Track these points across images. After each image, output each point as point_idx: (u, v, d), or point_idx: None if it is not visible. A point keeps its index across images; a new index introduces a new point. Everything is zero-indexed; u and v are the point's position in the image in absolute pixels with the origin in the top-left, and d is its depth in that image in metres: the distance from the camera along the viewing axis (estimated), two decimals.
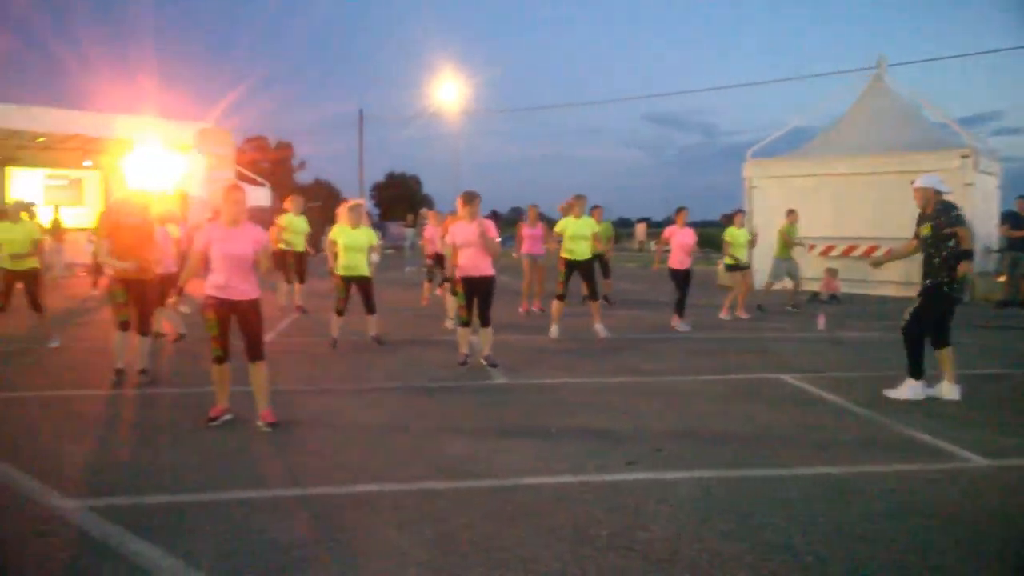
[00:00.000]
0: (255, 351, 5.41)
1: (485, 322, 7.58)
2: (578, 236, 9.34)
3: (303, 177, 70.08)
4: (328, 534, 3.62)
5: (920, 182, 6.46)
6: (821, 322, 10.75)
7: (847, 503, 4.06)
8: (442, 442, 5.11)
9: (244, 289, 5.34)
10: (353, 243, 8.58)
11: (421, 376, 7.30)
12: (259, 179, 29.53)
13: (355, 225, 8.68)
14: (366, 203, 11.38)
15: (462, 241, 7.43)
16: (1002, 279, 14.10)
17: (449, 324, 10.18)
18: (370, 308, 8.84)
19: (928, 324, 6.37)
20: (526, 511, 3.90)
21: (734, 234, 11.71)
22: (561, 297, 9.33)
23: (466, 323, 7.59)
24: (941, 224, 6.23)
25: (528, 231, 12.17)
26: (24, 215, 8.65)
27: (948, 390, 6.35)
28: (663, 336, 9.97)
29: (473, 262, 7.45)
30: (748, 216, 15.93)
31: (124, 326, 6.76)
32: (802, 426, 5.61)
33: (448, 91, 40.05)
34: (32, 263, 8.38)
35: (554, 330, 9.34)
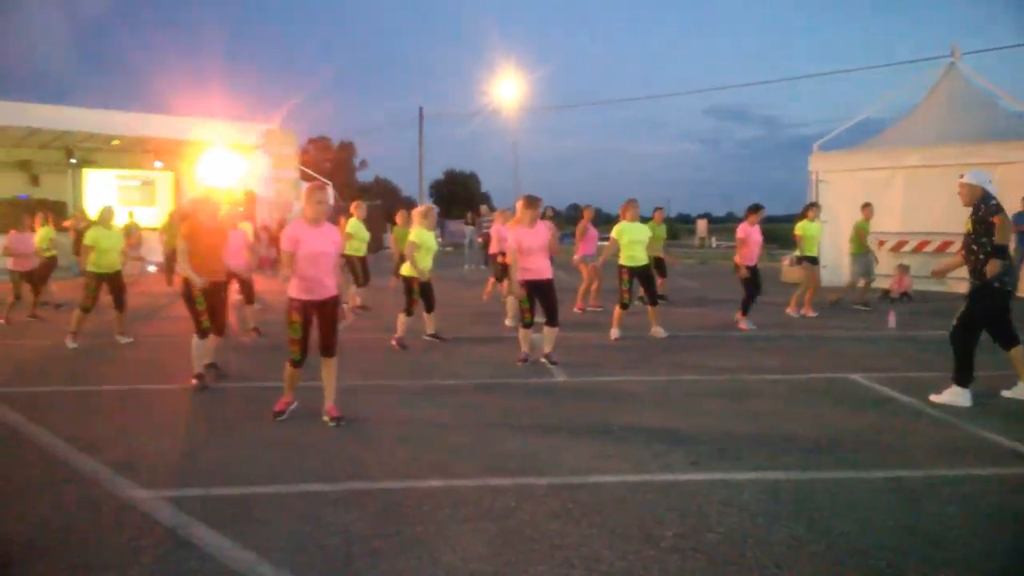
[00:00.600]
0: (330, 347, 5.49)
1: (554, 321, 7.54)
2: (636, 241, 9.17)
3: (364, 176, 71.29)
4: (393, 527, 3.66)
5: (968, 178, 6.03)
6: (892, 320, 10.40)
7: (921, 507, 3.92)
8: (503, 439, 5.12)
9: (328, 287, 5.43)
10: (431, 246, 8.67)
11: (482, 373, 7.33)
12: (322, 179, 30.12)
13: (431, 229, 8.78)
14: (431, 204, 11.40)
15: (527, 245, 7.42)
16: None
17: (509, 323, 10.18)
18: (430, 306, 8.90)
19: (981, 326, 6.03)
20: (588, 509, 3.88)
21: (807, 227, 11.33)
22: (625, 306, 9.14)
23: (529, 324, 7.60)
24: (979, 218, 5.86)
25: (590, 233, 12.23)
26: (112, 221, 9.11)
27: None
28: (726, 334, 9.79)
29: (537, 265, 7.46)
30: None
31: (204, 333, 6.74)
32: (873, 427, 5.44)
33: (506, 87, 40.10)
34: (117, 265, 8.93)
35: (615, 332, 9.18)
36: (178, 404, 6.21)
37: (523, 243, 7.43)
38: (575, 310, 11.83)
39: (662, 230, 13.50)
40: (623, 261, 9.20)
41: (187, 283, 6.63)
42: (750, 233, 10.18)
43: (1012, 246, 6.15)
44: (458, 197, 63.79)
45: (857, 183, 15.30)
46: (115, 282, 8.93)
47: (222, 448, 4.99)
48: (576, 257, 12.47)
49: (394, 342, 8.58)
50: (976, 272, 5.93)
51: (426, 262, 8.61)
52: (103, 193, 21.13)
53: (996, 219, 5.76)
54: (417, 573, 3.20)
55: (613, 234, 9.32)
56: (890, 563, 3.27)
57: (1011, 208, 13.62)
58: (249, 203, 9.76)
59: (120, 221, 16.25)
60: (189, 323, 6.80)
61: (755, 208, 10.39)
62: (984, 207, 5.87)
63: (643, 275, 9.29)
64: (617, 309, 9.20)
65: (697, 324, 10.61)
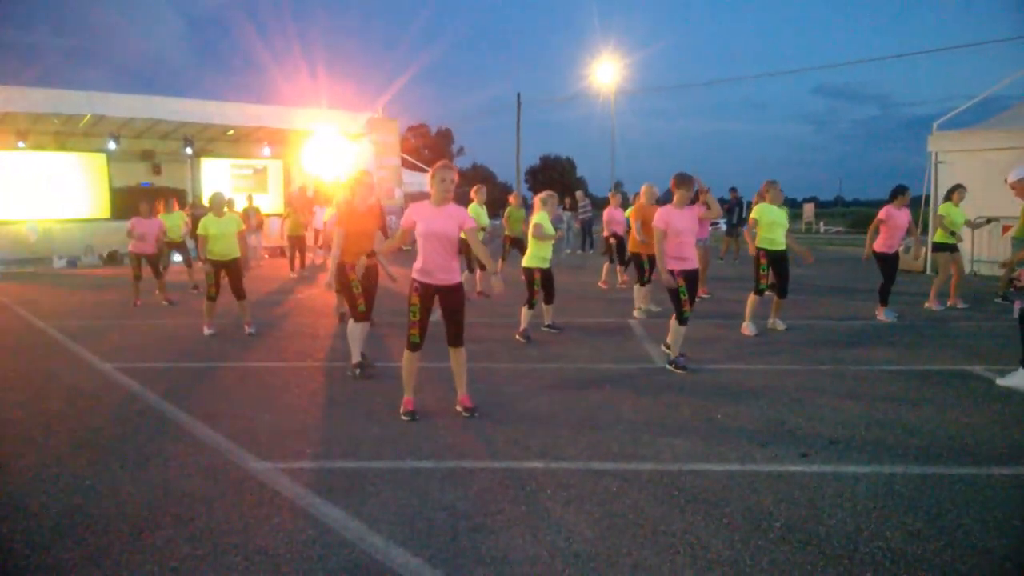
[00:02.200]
0: (457, 337, 5.30)
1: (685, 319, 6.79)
2: (777, 223, 8.56)
3: (461, 162, 72.22)
4: (497, 506, 3.73)
5: (1013, 177, 6.34)
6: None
7: None
8: (607, 425, 5.12)
9: (448, 273, 5.21)
10: (551, 233, 8.43)
11: (585, 358, 7.34)
12: (421, 165, 30.68)
13: (550, 215, 8.52)
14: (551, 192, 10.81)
15: (681, 227, 6.66)
16: None
17: (638, 315, 9.84)
18: (551, 298, 8.67)
19: None
20: (694, 497, 3.84)
21: (951, 211, 10.49)
22: (761, 292, 8.59)
23: (687, 319, 6.73)
24: None
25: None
26: (227, 208, 9.06)
27: None
28: (843, 323, 9.42)
29: (689, 252, 6.75)
30: (934, 194, 14.76)
31: (363, 316, 6.62)
32: (998, 422, 5.14)
33: (604, 70, 39.71)
34: (235, 252, 8.77)
35: (750, 327, 8.59)
36: (293, 381, 6.50)
37: (676, 224, 6.65)
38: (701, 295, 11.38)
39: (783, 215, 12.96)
40: (761, 244, 8.60)
41: (342, 267, 6.53)
42: (893, 215, 9.52)
43: None
44: (554, 183, 63.79)
45: (980, 164, 14.38)
46: (232, 270, 8.74)
47: (335, 424, 5.20)
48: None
49: (518, 335, 8.28)
50: None
51: (548, 250, 8.46)
52: (219, 181, 22.26)
53: None
54: (521, 551, 3.26)
55: (753, 214, 8.75)
56: (1016, 564, 3.10)
57: None
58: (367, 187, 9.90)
59: (240, 207, 17.18)
60: (310, 309, 7.07)
61: (900, 190, 9.66)
62: None
63: (779, 261, 8.66)
64: (752, 296, 8.65)
65: (809, 313, 10.24)
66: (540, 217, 8.45)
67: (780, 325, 8.79)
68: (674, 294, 6.69)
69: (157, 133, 21.84)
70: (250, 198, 18.49)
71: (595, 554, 3.23)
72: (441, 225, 5.11)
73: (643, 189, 10.21)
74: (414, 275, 5.25)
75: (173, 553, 3.29)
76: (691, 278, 6.74)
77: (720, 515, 3.61)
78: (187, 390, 6.18)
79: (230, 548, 3.32)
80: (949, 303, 10.51)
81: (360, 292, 6.59)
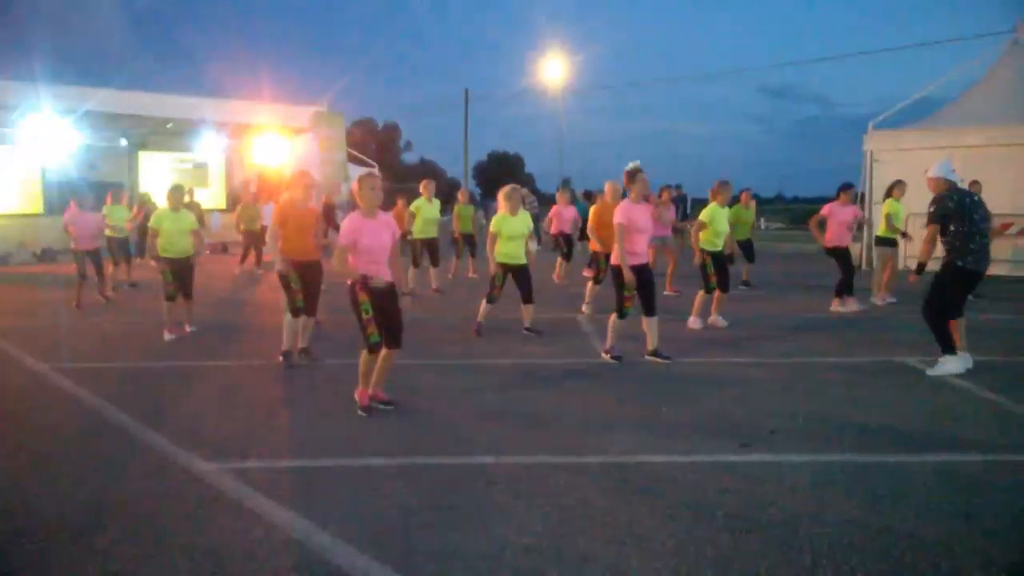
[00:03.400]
0: (396, 339, 5.28)
1: (653, 310, 6.95)
2: (723, 231, 8.76)
3: (409, 157, 71.79)
4: (448, 501, 3.75)
5: (932, 172, 6.61)
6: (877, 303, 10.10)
7: (978, 493, 3.87)
8: (557, 419, 5.18)
9: (385, 275, 5.20)
10: (514, 231, 8.10)
11: (535, 354, 7.39)
12: (368, 160, 30.37)
13: (514, 212, 8.17)
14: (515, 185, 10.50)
15: (642, 225, 6.72)
16: None
17: (586, 310, 9.90)
18: (528, 297, 8.27)
19: (948, 299, 6.46)
20: (640, 488, 3.92)
21: (894, 207, 10.81)
22: (711, 290, 8.76)
23: (627, 314, 6.87)
24: (937, 210, 6.42)
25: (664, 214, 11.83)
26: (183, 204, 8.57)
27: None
28: (781, 318, 9.68)
29: (641, 247, 6.80)
30: (869, 192, 15.26)
31: (297, 312, 6.77)
32: (930, 412, 5.36)
33: (552, 68, 39.89)
34: (189, 250, 8.39)
35: (697, 322, 8.77)
36: (240, 380, 6.39)
37: (637, 222, 6.68)
38: (667, 293, 11.42)
39: (750, 213, 12.95)
40: (704, 245, 8.72)
41: (283, 264, 6.66)
42: (836, 211, 10.00)
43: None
44: (502, 179, 63.86)
45: (914, 163, 14.85)
46: (185, 268, 8.36)
47: (282, 423, 5.15)
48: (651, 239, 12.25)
49: (474, 328, 8.31)
50: (946, 250, 6.47)
51: (517, 248, 8.13)
52: (159, 176, 21.69)
53: (928, 228, 6.47)
54: (472, 545, 3.28)
55: (702, 216, 8.84)
56: (947, 547, 3.25)
57: None
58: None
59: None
60: (257, 305, 6.98)
61: (845, 187, 10.20)
62: (937, 206, 6.42)
63: (721, 259, 8.88)
64: (701, 294, 8.79)
65: (752, 308, 10.48)
66: (497, 222, 8.13)
67: (721, 322, 8.98)
68: (619, 289, 6.79)
69: (92, 124, 21.16)
70: (190, 192, 18.05)
71: (544, 547, 3.27)
72: (384, 238, 5.18)
73: (607, 187, 10.15)
74: (356, 277, 5.12)
75: (117, 555, 3.21)
76: (643, 273, 6.79)
77: (665, 505, 3.69)
78: (128, 391, 6.03)
79: (175, 549, 3.26)
80: (877, 297, 10.89)
81: (299, 288, 6.73)
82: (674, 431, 4.89)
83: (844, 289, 9.97)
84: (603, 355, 7.02)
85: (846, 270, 10.00)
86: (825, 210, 10.13)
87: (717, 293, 8.88)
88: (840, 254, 10.05)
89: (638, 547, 3.26)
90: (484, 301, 8.34)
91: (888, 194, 11.11)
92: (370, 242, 5.11)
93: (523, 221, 8.21)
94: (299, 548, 3.27)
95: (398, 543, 3.31)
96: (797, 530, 3.41)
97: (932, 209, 6.48)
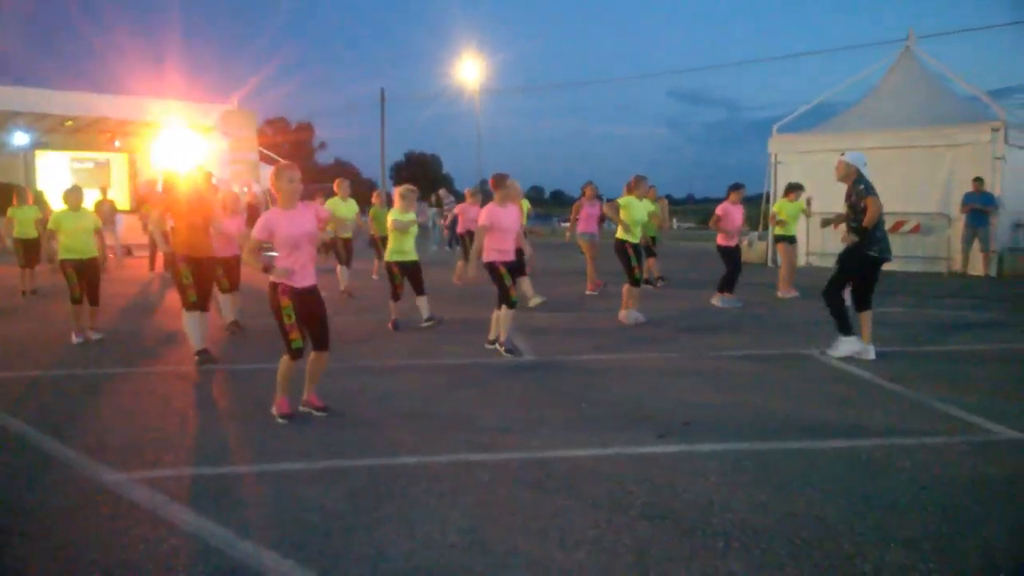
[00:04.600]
0: (324, 341, 5.16)
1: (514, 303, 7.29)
2: (640, 220, 9.09)
3: (323, 158, 70.55)
4: (370, 503, 3.74)
5: (846, 157, 7.04)
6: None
7: (878, 475, 4.12)
8: (477, 417, 5.22)
9: (308, 276, 5.07)
10: (407, 220, 8.47)
11: (456, 354, 7.41)
12: (280, 160, 29.65)
13: (406, 210, 8.48)
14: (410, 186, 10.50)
15: (507, 225, 7.14)
16: None
17: (534, 303, 10.21)
18: (420, 290, 8.72)
19: (848, 284, 6.97)
20: (561, 482, 4.00)
21: (784, 206, 11.39)
22: (637, 282, 8.98)
23: (515, 303, 7.20)
24: (852, 203, 6.83)
25: (588, 210, 11.97)
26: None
27: (866, 351, 6.92)
28: (696, 313, 10.00)
29: (509, 245, 7.23)
30: (773, 192, 15.90)
31: (194, 306, 6.72)
32: (833, 401, 5.65)
33: (470, 69, 40.02)
34: (93, 251, 8.05)
35: (627, 315, 8.98)
36: (151, 387, 6.17)
37: (502, 223, 7.11)
38: (589, 292, 11.77)
39: (657, 209, 13.50)
40: (623, 235, 8.97)
41: (172, 257, 6.54)
42: (729, 211, 10.46)
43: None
44: (419, 179, 63.54)
45: (814, 165, 15.63)
46: (89, 271, 7.99)
47: (196, 430, 5.00)
48: (569, 235, 12.50)
49: (389, 325, 8.64)
50: (851, 238, 6.88)
51: (408, 244, 8.54)
52: (57, 175, 20.64)
53: (868, 201, 6.68)
54: (395, 546, 3.29)
55: (620, 202, 9.05)
56: (850, 527, 3.45)
57: (964, 188, 14.07)
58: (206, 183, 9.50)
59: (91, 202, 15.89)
60: (165, 310, 6.76)
61: (735, 186, 10.69)
62: (855, 192, 6.82)
63: (638, 252, 9.17)
64: (627, 287, 8.98)
65: (667, 304, 10.79)
66: (395, 212, 8.53)
67: (641, 318, 9.20)
68: (500, 282, 7.10)
69: None
70: (104, 191, 17.24)
71: (470, 543, 3.30)
72: (305, 227, 4.98)
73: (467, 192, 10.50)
74: (273, 278, 4.97)
75: (28, 572, 3.08)
76: (512, 267, 7.24)
77: (586, 497, 3.79)
78: (29, 401, 5.74)
79: (88, 563, 3.14)
80: (781, 292, 11.41)
81: (191, 283, 6.68)
82: (593, 425, 5.01)
83: (726, 285, 10.45)
84: (498, 347, 7.18)
85: (734, 267, 10.46)
86: (720, 210, 10.62)
87: (633, 288, 9.11)
88: (729, 252, 10.51)
89: (560, 539, 3.33)
90: (391, 301, 8.68)
91: (785, 194, 11.74)
92: (289, 231, 4.90)
93: (412, 218, 8.61)
94: (219, 557, 3.20)
95: (322, 547, 3.29)
96: (710, 517, 3.55)
97: (861, 186, 6.78)
